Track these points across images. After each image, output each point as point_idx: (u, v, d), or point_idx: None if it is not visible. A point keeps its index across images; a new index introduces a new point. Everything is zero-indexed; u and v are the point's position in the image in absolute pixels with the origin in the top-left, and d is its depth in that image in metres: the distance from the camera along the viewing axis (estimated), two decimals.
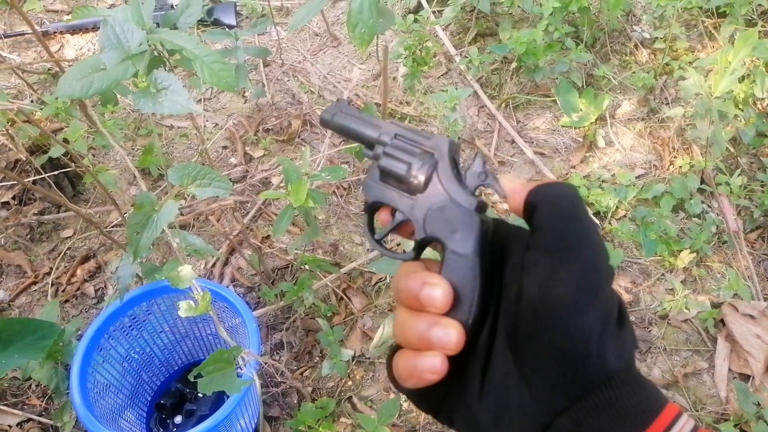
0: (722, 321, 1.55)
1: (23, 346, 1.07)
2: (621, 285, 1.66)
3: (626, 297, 1.63)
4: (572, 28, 2.06)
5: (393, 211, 0.42)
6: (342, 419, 1.46)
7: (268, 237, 1.74)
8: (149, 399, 1.46)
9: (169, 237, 1.03)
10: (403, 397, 1.35)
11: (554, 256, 0.32)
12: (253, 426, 1.40)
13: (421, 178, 0.39)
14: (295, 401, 1.48)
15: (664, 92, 2.07)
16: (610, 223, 1.75)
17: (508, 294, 0.35)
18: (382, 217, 0.43)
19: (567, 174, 1.89)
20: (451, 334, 0.33)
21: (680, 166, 1.85)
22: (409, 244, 0.41)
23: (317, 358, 1.54)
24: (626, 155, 1.95)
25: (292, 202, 1.23)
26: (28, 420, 1.47)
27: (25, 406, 1.49)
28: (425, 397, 0.37)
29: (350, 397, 1.49)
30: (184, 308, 0.97)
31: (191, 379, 0.90)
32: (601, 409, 0.30)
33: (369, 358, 1.53)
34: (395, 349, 0.37)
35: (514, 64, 2.08)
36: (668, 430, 0.30)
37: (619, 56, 2.18)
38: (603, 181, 1.85)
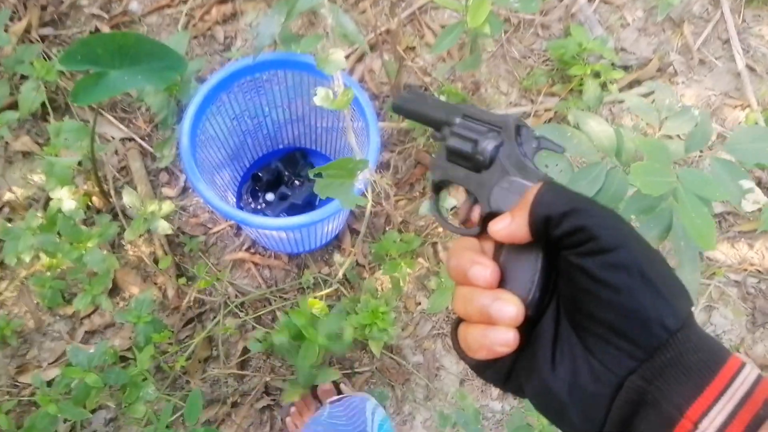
0: None
1: (148, 70, 1.00)
2: None
3: None
4: None
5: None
6: (420, 260, 1.41)
7: (412, 49, 1.56)
8: (247, 167, 1.44)
9: (323, 9, 0.89)
10: None
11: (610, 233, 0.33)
12: (336, 232, 1.37)
13: (486, 155, 0.40)
14: (382, 223, 1.42)
15: None
16: None
17: (564, 271, 0.36)
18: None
19: None
20: (510, 310, 0.35)
21: None
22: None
23: (417, 193, 1.45)
24: None
25: (468, 21, 1.04)
26: (131, 139, 1.49)
27: (131, 125, 1.50)
28: (490, 369, 0.38)
29: (435, 243, 1.42)
30: (321, 96, 0.86)
31: (310, 175, 0.82)
32: (668, 366, 0.32)
33: None
34: (458, 320, 0.38)
35: None
36: (733, 379, 0.31)
37: None
38: None
